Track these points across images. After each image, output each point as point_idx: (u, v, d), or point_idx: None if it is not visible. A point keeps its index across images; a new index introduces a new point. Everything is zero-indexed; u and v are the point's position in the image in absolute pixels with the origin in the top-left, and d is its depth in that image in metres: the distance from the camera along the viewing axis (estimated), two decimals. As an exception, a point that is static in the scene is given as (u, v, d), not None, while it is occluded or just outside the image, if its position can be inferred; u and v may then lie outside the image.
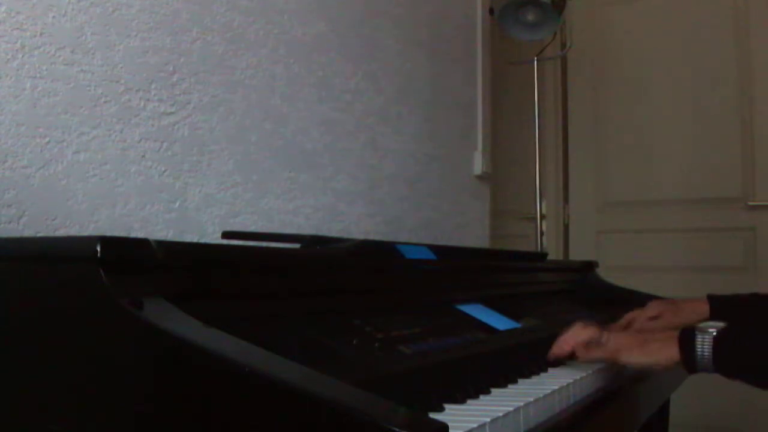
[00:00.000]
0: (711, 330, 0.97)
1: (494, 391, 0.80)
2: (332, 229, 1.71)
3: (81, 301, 0.63)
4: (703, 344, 0.96)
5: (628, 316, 1.37)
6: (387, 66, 2.01)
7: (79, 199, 1.15)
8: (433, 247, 1.27)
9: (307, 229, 1.61)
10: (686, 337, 0.97)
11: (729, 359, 0.95)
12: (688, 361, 0.96)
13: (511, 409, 0.68)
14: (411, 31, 2.16)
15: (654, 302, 1.35)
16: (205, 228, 1.37)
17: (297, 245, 1.13)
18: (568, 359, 1.06)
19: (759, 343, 0.95)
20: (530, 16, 2.67)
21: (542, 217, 2.91)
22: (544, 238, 2.98)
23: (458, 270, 1.34)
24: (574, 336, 1.06)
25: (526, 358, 1.06)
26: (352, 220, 1.80)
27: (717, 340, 0.95)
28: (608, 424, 0.96)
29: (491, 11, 2.68)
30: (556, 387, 0.81)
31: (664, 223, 3.01)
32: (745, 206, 2.87)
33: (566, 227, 3.24)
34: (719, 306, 1.32)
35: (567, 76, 3.28)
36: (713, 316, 1.31)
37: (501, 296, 1.38)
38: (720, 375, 0.98)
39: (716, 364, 0.95)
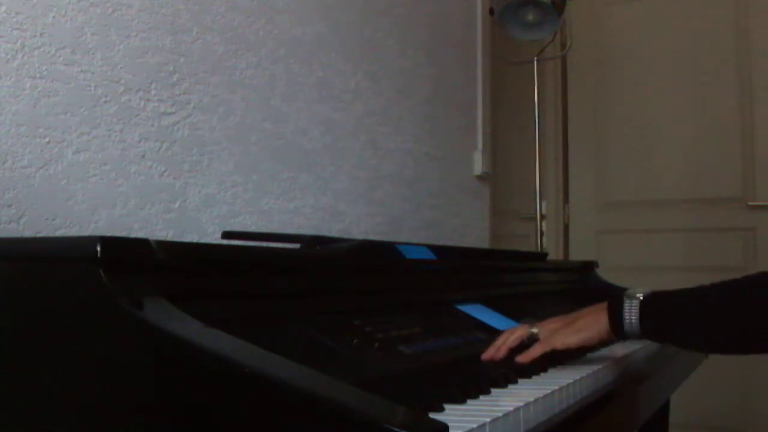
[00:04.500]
0: (638, 295, 0.98)
1: (494, 391, 0.80)
2: (332, 229, 1.71)
3: (81, 301, 0.63)
4: (631, 309, 0.97)
5: None
6: (387, 66, 2.02)
7: (79, 199, 1.15)
8: (433, 247, 1.27)
9: (307, 229, 1.61)
10: (614, 304, 0.99)
11: (654, 322, 0.97)
12: (617, 327, 0.98)
13: (511, 409, 0.68)
14: (411, 31, 2.16)
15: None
16: (205, 228, 1.37)
17: (297, 245, 1.13)
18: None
19: (682, 306, 0.97)
20: (530, 16, 2.67)
21: (542, 217, 2.91)
22: (544, 238, 2.98)
23: (458, 270, 1.34)
24: (505, 342, 1.01)
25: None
26: (352, 220, 1.80)
27: (643, 305, 0.97)
28: (608, 424, 0.96)
29: (491, 11, 2.68)
30: (556, 387, 0.81)
31: (664, 223, 3.01)
32: (745, 206, 2.87)
33: (566, 227, 3.24)
34: None
35: (567, 76, 3.28)
36: None
37: (501, 296, 1.38)
38: (648, 339, 1.01)
39: (643, 327, 0.97)
